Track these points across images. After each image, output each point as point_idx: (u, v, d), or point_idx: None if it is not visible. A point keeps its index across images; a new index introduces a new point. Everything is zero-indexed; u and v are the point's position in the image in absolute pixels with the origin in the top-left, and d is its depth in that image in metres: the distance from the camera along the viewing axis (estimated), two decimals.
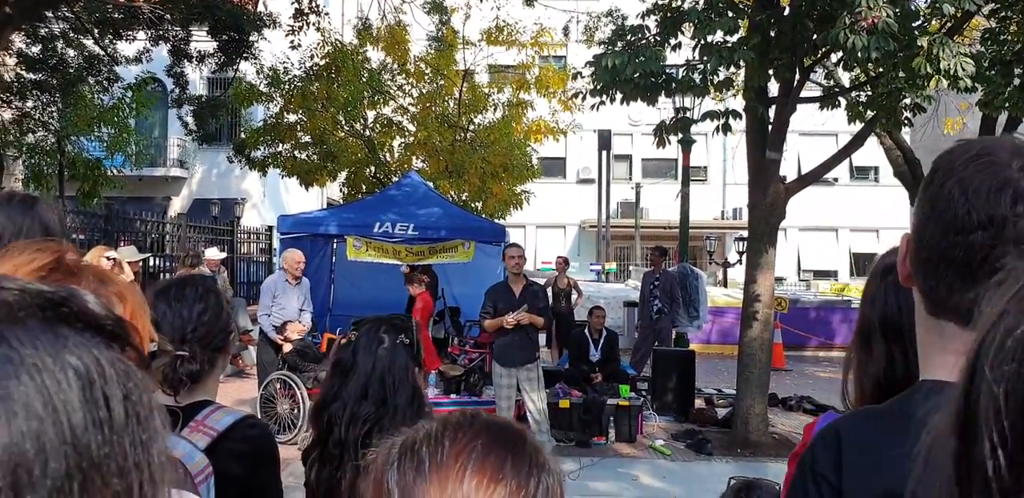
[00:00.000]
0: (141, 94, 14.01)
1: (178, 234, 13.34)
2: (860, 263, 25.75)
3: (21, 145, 13.39)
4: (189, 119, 15.20)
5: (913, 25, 5.55)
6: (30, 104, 13.90)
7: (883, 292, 1.33)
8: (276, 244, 13.15)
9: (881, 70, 6.06)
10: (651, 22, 5.96)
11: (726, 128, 6.32)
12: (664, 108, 7.86)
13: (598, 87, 5.85)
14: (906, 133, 9.94)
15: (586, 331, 8.02)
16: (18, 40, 12.74)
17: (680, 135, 6.60)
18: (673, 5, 5.99)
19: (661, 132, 6.40)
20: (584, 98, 6.21)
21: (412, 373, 2.03)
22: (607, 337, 7.97)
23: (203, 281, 1.70)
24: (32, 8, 7.41)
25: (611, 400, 6.96)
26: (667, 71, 5.85)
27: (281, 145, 13.65)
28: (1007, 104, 6.81)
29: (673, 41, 5.90)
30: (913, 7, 5.62)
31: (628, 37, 5.82)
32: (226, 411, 1.55)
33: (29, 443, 0.33)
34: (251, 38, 13.05)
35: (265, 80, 13.28)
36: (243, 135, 14.33)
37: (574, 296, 9.70)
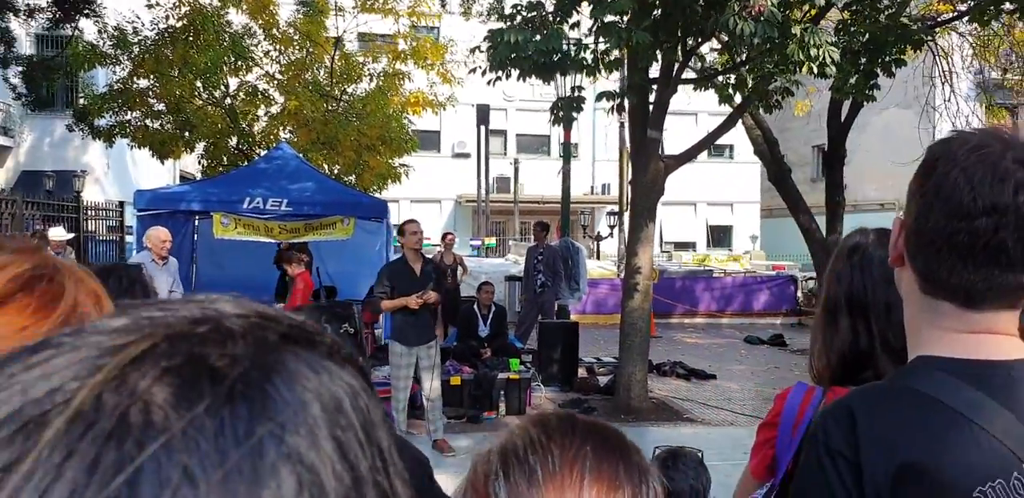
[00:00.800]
0: None
1: (11, 210, 12.00)
2: (716, 235, 27.49)
3: None
4: (16, 81, 13.63)
5: (786, 13, 5.86)
6: None
7: (849, 270, 1.41)
8: (131, 221, 12.14)
9: (753, 55, 6.39)
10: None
11: (620, 107, 6.45)
12: (537, 85, 7.90)
13: (495, 63, 5.78)
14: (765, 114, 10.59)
15: (475, 307, 8.03)
16: None
17: (572, 113, 6.66)
18: None
19: (557, 110, 6.43)
20: (484, 73, 6.11)
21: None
22: (496, 312, 8.03)
23: (127, 270, 1.51)
24: None
25: (501, 374, 7.04)
26: (563, 49, 5.87)
27: (130, 113, 12.53)
28: (854, 89, 7.39)
29: (571, 20, 5.92)
30: None
31: (524, 13, 5.77)
32: None
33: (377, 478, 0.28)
34: None
35: (109, 41, 12.11)
36: (83, 101, 13.03)
37: (459, 272, 9.68)
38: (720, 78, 7.71)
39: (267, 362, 0.28)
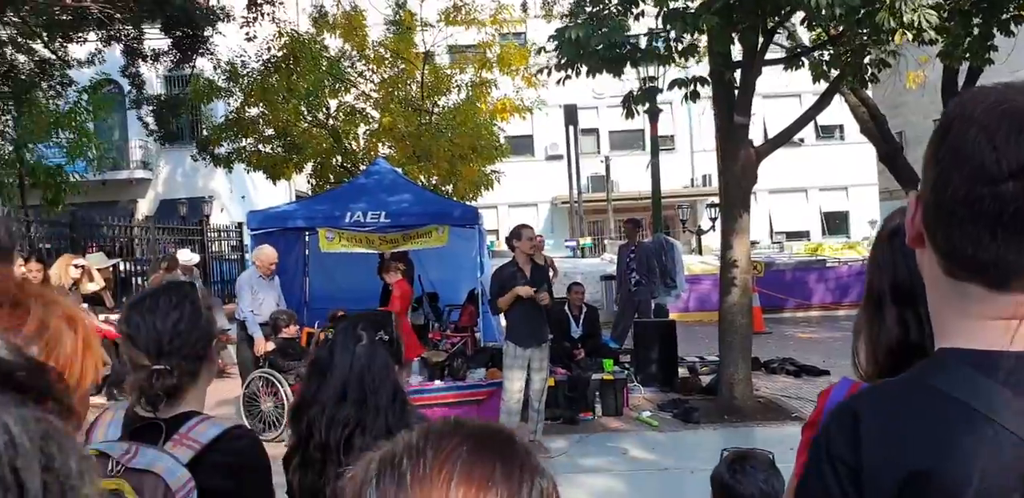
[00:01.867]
0: (97, 97, 13.66)
1: (147, 237, 13.09)
2: (831, 222, 26.05)
3: None
4: (149, 119, 14.89)
5: None
6: None
7: (891, 255, 1.27)
8: (248, 241, 12.95)
9: (844, 27, 6.03)
10: None
11: (694, 95, 6.27)
12: (628, 79, 7.81)
13: (563, 61, 5.76)
14: (868, 90, 9.96)
15: (566, 308, 8.01)
16: None
17: (647, 105, 6.53)
18: None
19: (629, 103, 6.33)
20: (549, 73, 6.12)
21: (392, 371, 1.97)
22: (587, 313, 7.97)
23: (178, 289, 1.61)
24: None
25: (595, 375, 6.97)
26: (631, 41, 5.77)
27: (244, 140, 13.40)
28: (967, 54, 6.81)
29: (635, 10, 5.81)
30: None
31: (589, 8, 5.72)
32: (211, 422, 1.49)
33: None
34: (205, 33, 12.75)
35: (223, 75, 13.00)
36: (205, 132, 14.04)
37: (550, 274, 9.67)
38: (814, 54, 7.32)
39: None
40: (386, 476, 0.64)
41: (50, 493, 0.32)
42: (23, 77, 13.21)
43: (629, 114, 6.41)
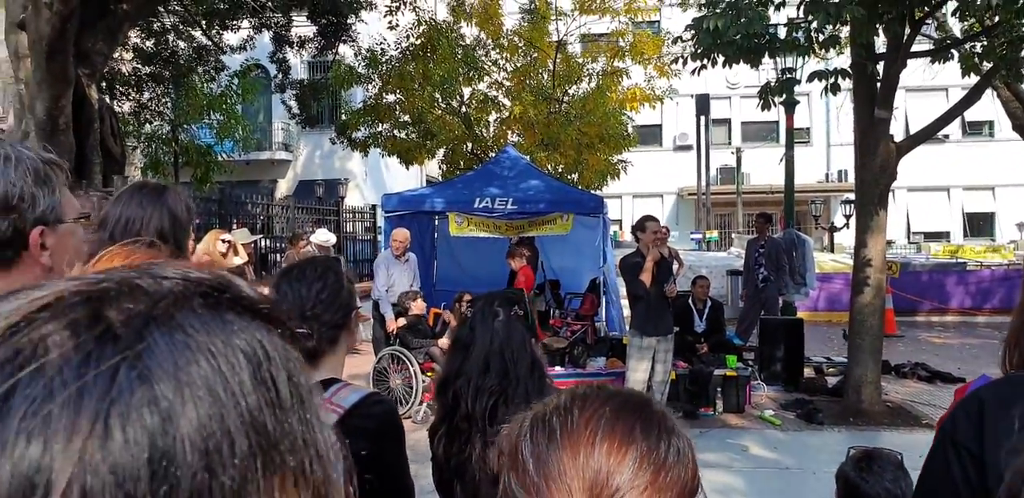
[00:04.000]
0: (246, 81, 14.72)
1: (287, 215, 14.03)
2: (975, 223, 24.19)
3: (140, 135, 14.35)
4: (292, 103, 15.85)
5: None
6: (146, 96, 14.84)
7: None
8: (380, 222, 13.64)
9: (1000, 18, 5.67)
10: None
11: (835, 88, 6.10)
12: (763, 69, 7.65)
13: (699, 51, 5.76)
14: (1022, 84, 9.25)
15: (690, 301, 8.00)
16: (133, 35, 13.57)
17: (784, 97, 6.40)
18: None
19: (766, 94, 6.24)
20: (685, 63, 6.12)
21: (529, 343, 2.06)
22: (712, 307, 7.93)
23: (324, 261, 1.76)
24: (146, 4, 7.93)
25: (718, 370, 6.96)
26: (770, 31, 5.69)
27: (381, 125, 14.02)
28: None
29: (776, 0, 5.73)
30: None
31: None
32: (352, 388, 1.59)
33: (216, 425, 0.34)
34: (349, 21, 13.42)
35: (363, 62, 13.64)
36: (344, 117, 14.82)
37: (674, 266, 9.65)
38: (965, 46, 6.91)
39: (153, 313, 0.35)
40: (538, 431, 0.73)
41: (294, 399, 0.38)
42: (182, 62, 14.34)
43: (765, 105, 6.31)
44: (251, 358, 0.37)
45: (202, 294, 0.37)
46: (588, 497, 0.69)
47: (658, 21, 16.68)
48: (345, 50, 14.52)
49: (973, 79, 6.78)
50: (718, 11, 5.47)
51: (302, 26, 14.45)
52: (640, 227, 5.90)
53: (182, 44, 14.66)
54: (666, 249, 9.03)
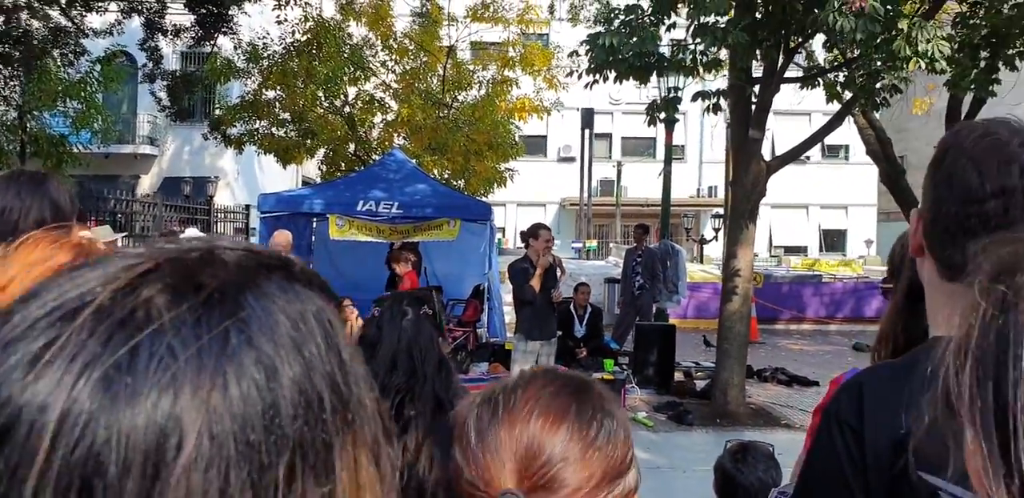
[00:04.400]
0: (110, 68, 13.72)
1: (152, 213, 13.18)
2: (829, 239, 26.34)
3: None
4: (162, 95, 14.94)
5: (892, 8, 5.70)
6: None
7: None
8: (253, 223, 13.08)
9: (860, 52, 6.22)
10: (644, 2, 6.06)
11: (715, 107, 6.46)
12: (645, 88, 8.01)
13: (593, 66, 5.95)
14: (877, 113, 10.16)
15: (571, 307, 8.19)
16: None
17: (667, 114, 6.72)
18: None
19: (652, 111, 6.52)
20: (580, 76, 6.30)
21: (437, 342, 2.07)
22: (592, 313, 8.15)
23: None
24: None
25: (595, 374, 7.14)
26: (659, 51, 5.96)
27: (259, 122, 13.50)
28: (973, 85, 7.03)
29: (667, 21, 6.01)
30: None
31: (622, 16, 5.91)
32: None
33: (308, 383, 0.37)
34: (230, 12, 12.84)
35: (243, 55, 13.09)
36: (218, 111, 14.14)
37: (557, 273, 9.86)
38: (829, 75, 7.52)
39: (243, 281, 0.39)
40: (484, 407, 0.80)
41: (352, 362, 0.42)
42: (35, 43, 13.20)
43: (651, 121, 6.61)
44: (322, 324, 0.40)
45: (267, 266, 0.41)
46: (520, 467, 0.75)
47: (547, 34, 17.08)
48: (224, 42, 13.88)
49: (835, 106, 7.39)
50: (613, 29, 5.67)
51: (177, 13, 13.67)
52: (533, 234, 6.01)
53: (36, 23, 13.48)
54: (551, 257, 9.20)
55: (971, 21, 7.25)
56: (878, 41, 5.59)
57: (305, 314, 0.40)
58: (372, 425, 0.42)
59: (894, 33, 5.60)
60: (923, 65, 5.64)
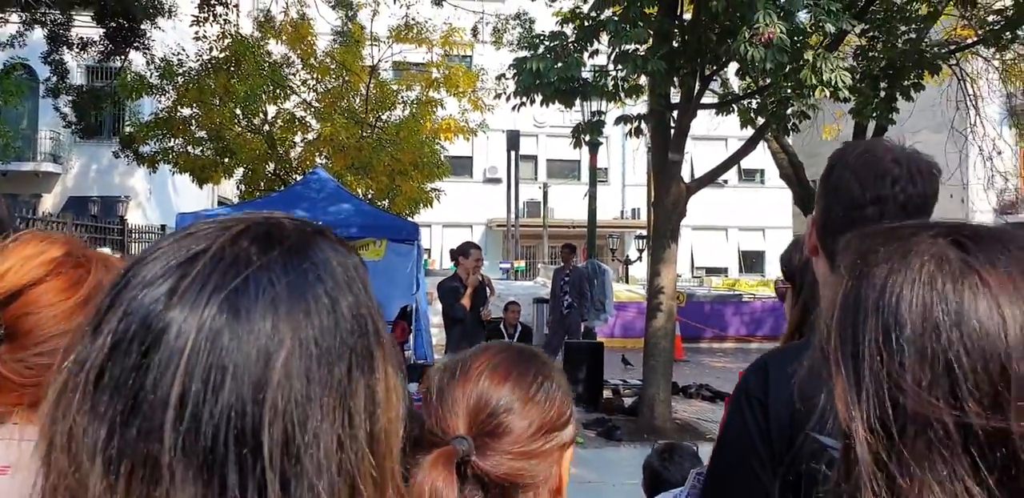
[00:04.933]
0: (9, 82, 13.03)
1: (60, 232, 12.50)
2: (748, 260, 27.28)
3: None
4: (68, 110, 14.29)
5: (799, 40, 6.03)
6: None
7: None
8: None
9: (771, 80, 6.55)
10: (568, 29, 6.23)
11: (637, 131, 6.66)
12: (569, 112, 8.20)
13: (520, 89, 6.06)
14: (789, 138, 10.67)
15: (501, 326, 8.20)
16: None
17: (591, 137, 6.89)
18: (591, 14, 6.27)
19: (577, 134, 6.67)
20: (508, 99, 6.40)
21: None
22: (522, 331, 8.18)
23: None
24: None
25: None
26: (583, 77, 6.12)
27: (173, 140, 13.08)
28: (875, 113, 7.50)
29: (591, 48, 6.19)
30: (800, 23, 6.10)
31: (547, 42, 6.06)
32: None
33: (358, 310, 0.51)
34: (143, 27, 12.42)
35: (156, 71, 12.69)
36: (129, 129, 13.63)
37: (487, 292, 9.87)
38: (743, 102, 7.87)
39: (308, 240, 0.53)
40: (445, 373, 0.96)
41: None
42: None
43: (577, 144, 6.75)
44: (359, 272, 0.54)
45: (317, 231, 0.54)
46: (469, 417, 0.90)
47: (471, 56, 17.27)
48: (135, 57, 13.41)
49: (750, 131, 7.73)
50: (538, 54, 5.81)
51: (85, 26, 13.13)
52: (463, 252, 6.05)
53: None
54: (481, 275, 9.22)
55: (870, 54, 7.73)
56: (787, 70, 5.90)
57: (347, 264, 0.53)
58: (392, 347, 0.55)
59: (801, 63, 5.92)
60: (828, 93, 5.98)
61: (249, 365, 0.46)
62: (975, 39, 9.22)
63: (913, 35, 7.73)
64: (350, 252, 0.55)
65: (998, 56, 10.99)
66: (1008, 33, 7.70)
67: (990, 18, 8.64)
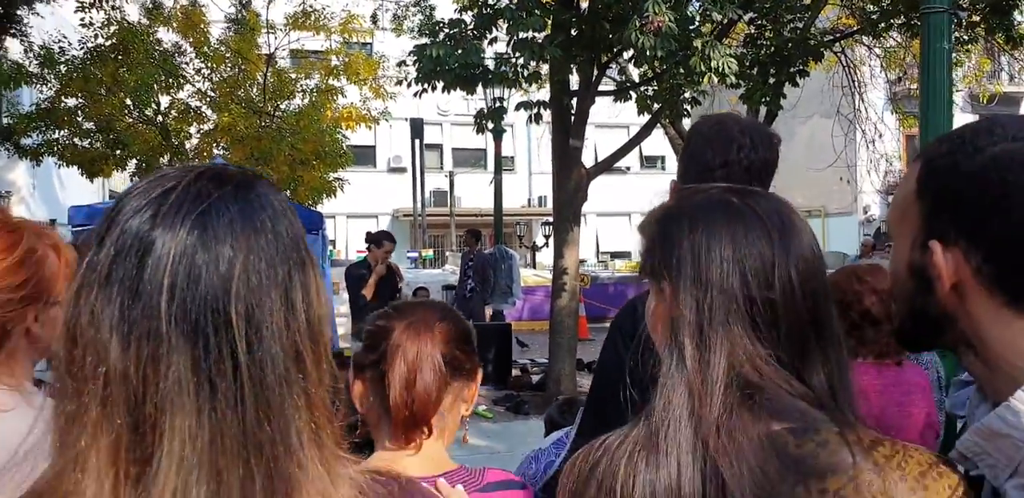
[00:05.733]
0: None
1: None
2: None
3: None
4: None
5: (689, 28, 6.34)
6: None
7: None
8: (67, 238, 11.83)
9: (664, 67, 6.86)
10: (467, 17, 6.34)
11: (537, 117, 6.85)
12: (473, 99, 8.31)
13: (420, 76, 6.13)
14: (686, 124, 11.12)
15: None
16: None
17: (494, 124, 7.03)
18: (489, 1, 6.39)
19: (480, 120, 6.80)
20: (409, 85, 6.45)
21: None
22: None
23: None
24: None
25: None
26: (483, 63, 6.25)
27: (58, 132, 12.42)
28: (764, 99, 7.93)
29: (489, 35, 6.32)
30: (689, 13, 6.42)
31: (447, 30, 6.14)
32: None
33: (293, 232, 0.68)
34: (19, 13, 11.68)
35: (36, 60, 11.98)
36: (7, 120, 12.82)
37: (396, 280, 9.92)
38: (640, 89, 8.17)
39: (250, 180, 0.69)
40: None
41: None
42: None
43: (479, 130, 6.88)
44: (287, 206, 0.70)
45: (255, 175, 0.71)
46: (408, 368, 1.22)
47: (371, 44, 17.05)
48: (12, 44, 12.59)
49: (647, 117, 8.05)
50: (438, 41, 5.89)
51: None
52: (377, 241, 6.14)
53: None
54: (390, 264, 9.31)
55: (758, 41, 8.16)
56: (677, 58, 6.21)
57: (280, 199, 0.69)
58: (315, 260, 0.71)
59: (690, 51, 6.23)
60: (716, 79, 6.32)
61: (218, 265, 0.62)
62: (856, 27, 9.69)
63: (799, 25, 8.16)
64: (279, 191, 0.71)
65: (879, 44, 11.68)
66: (883, 23, 8.26)
67: (869, 8, 9.21)
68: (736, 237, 0.87)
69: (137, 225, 0.62)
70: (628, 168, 25.11)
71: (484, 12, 6.24)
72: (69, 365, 0.61)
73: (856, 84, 12.22)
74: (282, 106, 13.36)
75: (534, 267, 17.93)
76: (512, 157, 26.15)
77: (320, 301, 0.68)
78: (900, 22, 8.51)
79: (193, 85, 13.20)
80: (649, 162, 27.78)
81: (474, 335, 1.32)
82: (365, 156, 24.10)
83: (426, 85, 6.29)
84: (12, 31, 12.01)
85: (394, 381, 1.19)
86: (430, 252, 20.24)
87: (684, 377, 0.83)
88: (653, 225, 0.96)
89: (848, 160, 15.88)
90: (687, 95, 7.26)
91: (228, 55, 13.10)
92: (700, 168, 1.41)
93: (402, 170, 24.31)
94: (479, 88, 6.71)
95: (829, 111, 14.62)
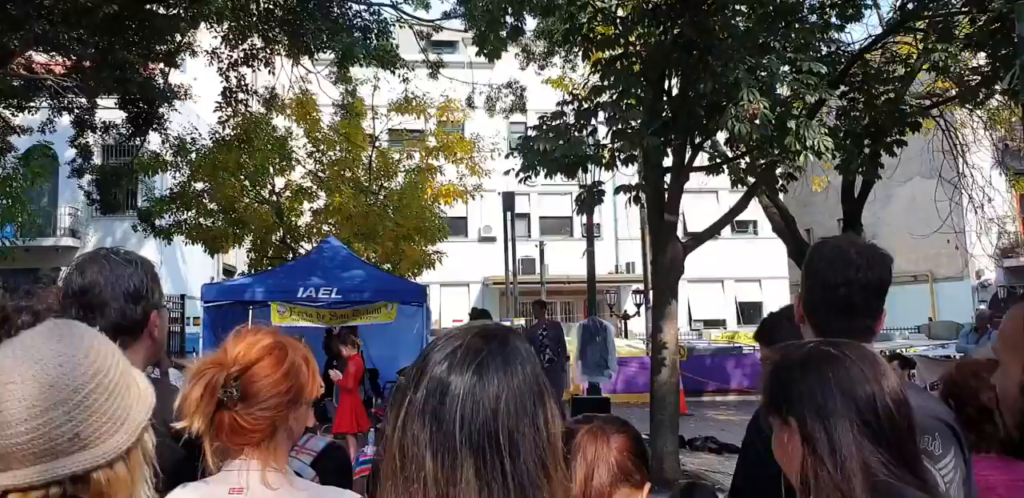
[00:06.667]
0: (35, 166, 13.60)
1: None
2: (746, 312, 27.42)
3: None
4: (92, 188, 14.86)
5: (784, 110, 6.53)
6: None
7: None
8: (189, 313, 12.87)
9: (758, 146, 7.04)
10: (568, 108, 6.84)
11: (636, 199, 7.16)
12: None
13: (527, 164, 6.60)
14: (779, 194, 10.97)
15: None
16: None
17: (593, 204, 7.39)
18: (590, 96, 6.86)
19: (582, 204, 7.20)
20: (518, 175, 6.89)
21: None
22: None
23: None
24: None
25: None
26: (584, 152, 6.67)
27: (187, 213, 13.61)
28: (860, 169, 7.92)
29: (589, 127, 6.77)
30: (780, 95, 6.65)
31: (549, 122, 6.62)
32: (319, 438, 1.99)
33: (537, 370, 0.97)
34: (160, 110, 13.09)
35: (171, 149, 13.30)
36: (145, 203, 14.18)
37: None
38: (734, 163, 8.35)
39: (507, 335, 0.99)
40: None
41: None
42: None
43: (581, 210, 7.24)
44: (532, 352, 0.99)
45: (508, 329, 1.01)
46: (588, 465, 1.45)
47: (464, 123, 18.06)
48: (151, 135, 14.06)
49: (739, 187, 8.19)
50: (540, 135, 6.38)
51: (107, 109, 13.81)
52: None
53: None
54: None
55: (852, 114, 8.16)
56: (772, 139, 6.40)
57: (527, 347, 0.97)
58: (551, 390, 0.97)
59: (784, 132, 6.41)
60: (812, 157, 6.46)
61: (489, 401, 0.90)
62: (953, 93, 9.42)
63: (892, 95, 8.10)
64: (525, 341, 0.99)
65: (980, 106, 11.26)
66: (984, 89, 8.17)
67: (966, 73, 9.06)
68: (839, 377, 1.19)
69: (438, 374, 0.92)
70: (719, 234, 24.78)
71: (584, 108, 6.69)
72: (400, 470, 0.90)
73: (958, 147, 11.75)
74: (386, 185, 14.23)
75: (625, 337, 17.87)
76: (599, 224, 26.44)
77: (556, 423, 0.94)
78: (1003, 88, 8.35)
79: (304, 167, 14.28)
80: (741, 227, 27.40)
81: (649, 452, 1.59)
82: (457, 227, 24.92)
83: (530, 172, 6.74)
84: (155, 127, 13.44)
85: (576, 476, 1.43)
86: (522, 320, 20.53)
87: (832, 481, 1.13)
88: (769, 376, 1.27)
89: (955, 225, 15.07)
90: (782, 170, 7.40)
91: (337, 139, 14.17)
92: (823, 286, 1.65)
93: (492, 239, 24.96)
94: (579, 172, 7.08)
95: (931, 171, 13.74)
